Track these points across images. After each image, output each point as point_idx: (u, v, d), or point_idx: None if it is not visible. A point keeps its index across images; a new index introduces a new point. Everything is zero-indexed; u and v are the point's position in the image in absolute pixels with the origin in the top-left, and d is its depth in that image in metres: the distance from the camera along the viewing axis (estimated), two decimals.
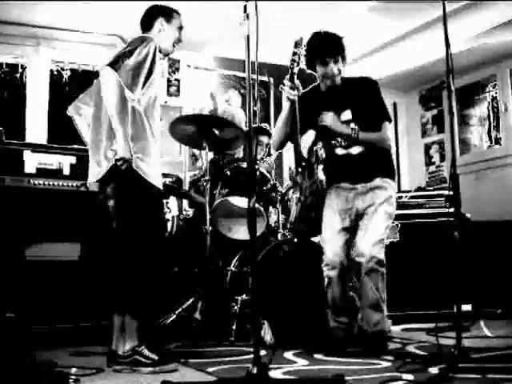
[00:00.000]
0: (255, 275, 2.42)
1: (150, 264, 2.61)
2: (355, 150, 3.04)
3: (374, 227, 2.93)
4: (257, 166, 3.71)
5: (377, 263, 2.87)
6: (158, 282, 2.75)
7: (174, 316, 3.45)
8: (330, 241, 3.02)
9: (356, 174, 3.05)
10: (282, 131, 3.12)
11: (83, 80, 5.23)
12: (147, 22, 2.91)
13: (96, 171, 2.63)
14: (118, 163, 2.49)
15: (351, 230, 3.03)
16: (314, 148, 3.16)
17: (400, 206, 4.39)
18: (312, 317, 3.17)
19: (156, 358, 2.51)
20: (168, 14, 2.91)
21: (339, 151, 3.08)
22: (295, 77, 2.93)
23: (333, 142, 3.09)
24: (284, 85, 2.95)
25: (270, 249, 3.37)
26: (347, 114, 3.02)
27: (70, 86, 5.15)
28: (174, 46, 2.93)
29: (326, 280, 3.01)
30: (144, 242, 2.58)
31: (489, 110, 5.82)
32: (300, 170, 3.07)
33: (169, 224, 4.13)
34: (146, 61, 2.61)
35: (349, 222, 3.03)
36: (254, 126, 2.29)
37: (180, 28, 2.94)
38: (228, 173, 3.86)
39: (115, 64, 2.53)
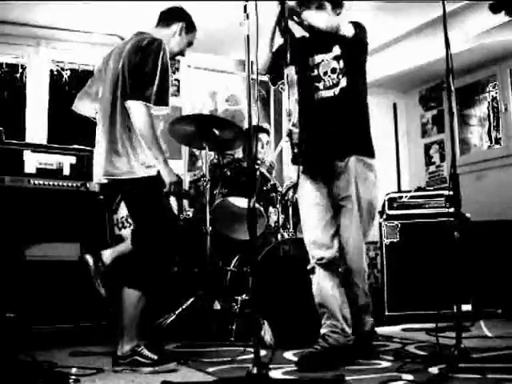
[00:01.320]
0: (255, 275, 2.42)
1: (166, 249, 2.65)
2: (340, 85, 2.76)
3: (361, 228, 2.70)
4: (257, 166, 3.70)
5: (356, 261, 2.72)
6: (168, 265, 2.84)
7: (174, 316, 3.45)
8: (316, 242, 2.76)
9: (332, 134, 2.74)
10: (267, 48, 2.82)
11: (83, 80, 5.21)
12: (168, 19, 2.86)
13: (120, 171, 2.59)
14: (171, 188, 2.58)
15: (334, 219, 2.78)
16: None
17: (400, 206, 4.39)
18: (312, 317, 3.17)
19: (156, 357, 2.51)
20: (190, 24, 2.91)
21: (320, 94, 2.80)
22: None
23: (316, 83, 2.81)
24: None
25: (270, 249, 3.37)
26: (336, 50, 2.80)
27: (70, 85, 5.15)
28: (176, 55, 2.91)
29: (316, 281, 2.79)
30: (165, 231, 2.63)
31: (489, 110, 5.82)
32: None
33: None
34: (168, 70, 2.60)
35: (330, 214, 2.78)
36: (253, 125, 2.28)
37: (190, 44, 2.95)
38: (228, 173, 3.86)
39: (139, 92, 2.51)
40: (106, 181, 2.70)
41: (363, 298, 2.76)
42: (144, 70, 2.54)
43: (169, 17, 2.87)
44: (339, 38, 2.74)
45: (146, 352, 2.51)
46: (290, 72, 2.87)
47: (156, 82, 2.52)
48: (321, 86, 2.80)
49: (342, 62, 2.78)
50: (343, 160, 2.71)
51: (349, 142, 2.76)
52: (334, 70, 2.78)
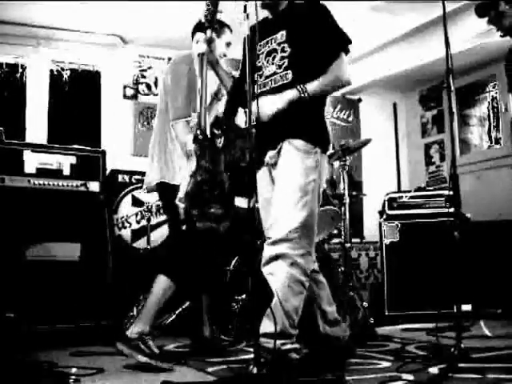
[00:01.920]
0: (255, 275, 2.42)
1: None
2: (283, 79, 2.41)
3: (278, 210, 2.31)
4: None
5: (281, 257, 2.25)
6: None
7: (174, 316, 3.45)
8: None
9: (270, 124, 2.38)
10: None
11: (83, 80, 5.23)
12: (197, 32, 2.98)
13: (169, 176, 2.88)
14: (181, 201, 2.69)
15: None
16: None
17: (400, 206, 4.40)
18: (311, 316, 3.17)
19: (157, 352, 2.53)
20: (220, 26, 2.98)
21: (260, 87, 2.52)
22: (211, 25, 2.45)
23: (257, 73, 2.49)
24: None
25: None
26: (280, 37, 2.42)
27: (70, 85, 5.15)
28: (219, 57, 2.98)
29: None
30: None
31: (489, 110, 5.82)
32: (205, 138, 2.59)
33: None
34: (183, 80, 2.81)
35: None
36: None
37: (228, 44, 3.02)
38: (228, 173, 3.86)
39: (173, 113, 2.81)
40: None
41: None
42: (172, 90, 2.85)
43: (198, 30, 2.98)
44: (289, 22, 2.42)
45: (150, 343, 2.54)
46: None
47: (180, 97, 2.81)
48: (259, 78, 2.50)
49: (287, 48, 2.40)
50: (276, 147, 2.42)
51: (281, 129, 2.39)
52: (275, 58, 2.44)
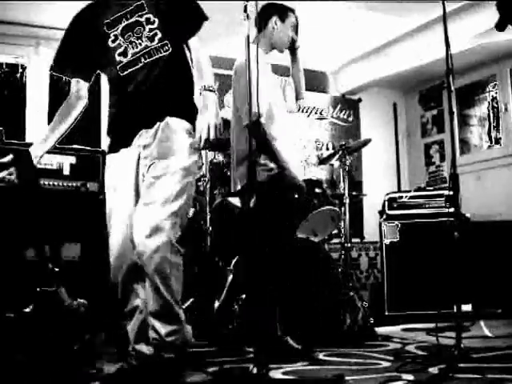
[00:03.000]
0: (255, 275, 2.42)
1: None
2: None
3: (156, 196, 2.10)
4: None
5: (161, 251, 2.05)
6: None
7: None
8: (114, 228, 2.30)
9: (142, 101, 2.20)
10: None
11: None
12: (261, 21, 2.98)
13: None
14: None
15: None
16: None
17: (400, 206, 4.40)
18: (310, 315, 3.17)
19: None
20: (282, 12, 3.00)
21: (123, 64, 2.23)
22: None
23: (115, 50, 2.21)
24: None
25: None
26: (139, 8, 2.22)
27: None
28: (288, 43, 3.02)
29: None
30: None
31: (489, 110, 5.82)
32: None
33: None
34: None
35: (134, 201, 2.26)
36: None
37: (294, 27, 3.04)
38: (228, 173, 3.87)
39: None
40: None
41: (157, 298, 2.08)
42: None
43: (262, 18, 2.99)
44: None
45: None
46: None
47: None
48: (123, 57, 2.23)
49: (153, 18, 2.19)
50: (152, 127, 2.18)
51: (159, 106, 2.20)
52: (142, 31, 2.21)
